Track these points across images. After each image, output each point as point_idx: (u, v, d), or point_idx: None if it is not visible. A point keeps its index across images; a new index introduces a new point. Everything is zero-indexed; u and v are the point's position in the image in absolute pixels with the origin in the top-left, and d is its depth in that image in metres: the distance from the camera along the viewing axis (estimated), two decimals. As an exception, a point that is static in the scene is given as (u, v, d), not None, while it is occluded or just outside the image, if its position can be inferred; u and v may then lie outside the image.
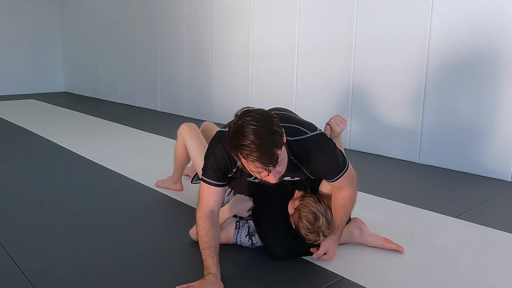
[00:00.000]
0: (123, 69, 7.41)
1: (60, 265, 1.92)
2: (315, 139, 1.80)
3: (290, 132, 1.75)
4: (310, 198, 1.92)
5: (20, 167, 3.50)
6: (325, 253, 1.95)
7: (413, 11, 3.67)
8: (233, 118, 1.60)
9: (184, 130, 2.59)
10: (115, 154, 3.95)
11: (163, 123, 5.69)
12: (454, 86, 3.50)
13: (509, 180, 3.28)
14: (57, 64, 9.31)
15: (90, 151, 4.00)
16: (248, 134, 1.51)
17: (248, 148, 1.51)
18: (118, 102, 7.63)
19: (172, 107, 6.46)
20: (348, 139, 4.24)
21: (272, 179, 1.61)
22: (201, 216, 1.80)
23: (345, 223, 2.02)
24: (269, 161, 1.54)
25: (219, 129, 1.90)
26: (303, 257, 2.01)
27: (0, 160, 3.71)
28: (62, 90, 9.46)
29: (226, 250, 2.06)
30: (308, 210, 1.87)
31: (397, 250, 2.08)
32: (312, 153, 1.78)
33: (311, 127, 1.85)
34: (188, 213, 2.53)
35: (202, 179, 1.84)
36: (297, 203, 1.94)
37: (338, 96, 4.29)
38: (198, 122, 2.88)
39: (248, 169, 1.59)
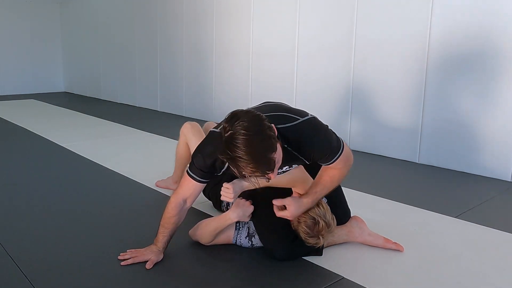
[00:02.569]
0: (123, 69, 7.41)
1: (60, 265, 1.92)
2: (306, 124, 1.78)
3: (281, 120, 1.75)
4: None
5: (20, 167, 3.50)
6: (284, 207, 1.90)
7: (413, 12, 3.67)
8: (223, 123, 1.58)
9: (187, 128, 2.59)
10: (115, 154, 3.95)
11: (163, 123, 5.70)
12: (454, 86, 3.50)
13: (509, 180, 3.28)
14: (57, 64, 9.31)
15: (90, 151, 4.00)
16: (241, 145, 1.50)
17: (243, 160, 1.51)
18: (118, 102, 7.63)
19: (172, 107, 6.46)
20: (348, 139, 4.24)
21: (272, 177, 1.61)
22: (173, 202, 1.91)
23: (323, 194, 1.94)
24: (267, 168, 1.54)
25: (211, 128, 1.90)
26: (303, 257, 2.01)
27: (0, 160, 3.71)
28: (62, 90, 9.46)
29: (226, 250, 2.06)
30: (307, 215, 1.86)
31: (397, 250, 2.08)
32: (305, 138, 1.76)
33: (302, 113, 1.82)
34: (188, 213, 2.53)
35: (187, 171, 1.88)
36: None
37: (338, 97, 4.29)
38: (198, 122, 2.88)
39: (247, 177, 1.59)
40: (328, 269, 1.92)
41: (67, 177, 3.26)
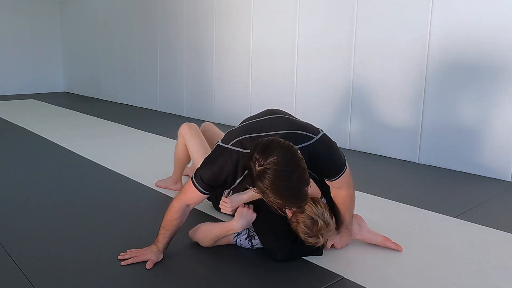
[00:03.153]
0: (123, 69, 7.41)
1: (60, 265, 1.92)
2: (321, 142, 1.82)
3: (298, 139, 1.76)
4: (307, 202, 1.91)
5: (20, 167, 3.50)
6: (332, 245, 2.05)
7: (413, 12, 3.67)
8: (252, 152, 1.56)
9: (185, 129, 2.59)
10: (115, 154, 3.95)
11: (163, 123, 5.69)
12: (454, 87, 3.50)
13: (509, 180, 3.28)
14: (57, 64, 9.31)
15: (90, 151, 4.00)
16: (277, 180, 1.51)
17: (279, 197, 1.54)
18: (118, 102, 7.63)
19: (172, 107, 6.46)
20: (348, 139, 4.24)
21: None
22: (176, 206, 1.90)
23: (351, 219, 2.04)
24: (302, 202, 1.60)
25: (219, 142, 1.88)
26: (303, 257, 2.01)
27: (0, 160, 3.71)
28: (62, 90, 9.47)
29: (226, 250, 2.06)
30: (305, 214, 1.86)
31: (396, 249, 2.08)
32: (320, 156, 1.80)
33: (313, 130, 1.85)
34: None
35: (192, 181, 1.86)
36: None
37: (338, 97, 4.29)
38: (198, 122, 2.88)
39: (276, 205, 1.60)
40: (328, 269, 1.92)
41: (67, 177, 3.26)
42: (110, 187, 3.05)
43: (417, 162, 3.79)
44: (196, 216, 2.41)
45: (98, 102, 7.80)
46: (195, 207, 2.57)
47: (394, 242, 2.10)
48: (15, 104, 7.34)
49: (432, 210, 2.64)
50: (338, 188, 1.93)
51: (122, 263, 1.90)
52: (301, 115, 4.60)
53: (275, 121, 1.93)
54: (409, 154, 3.83)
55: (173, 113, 6.44)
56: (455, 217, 2.55)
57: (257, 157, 1.54)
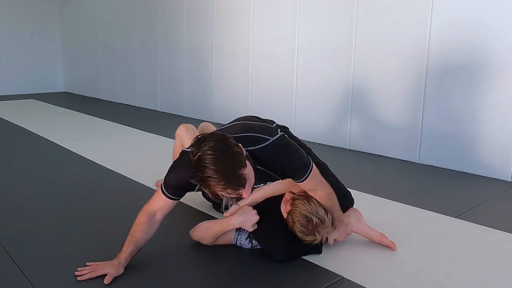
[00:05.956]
0: (123, 69, 7.41)
1: (60, 265, 1.92)
2: (275, 144, 1.81)
3: (251, 141, 1.78)
4: (299, 201, 1.91)
5: (20, 167, 3.50)
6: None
7: (413, 12, 3.67)
8: (191, 148, 1.62)
9: (182, 131, 2.59)
10: (115, 154, 3.95)
11: (163, 123, 5.69)
12: (454, 86, 3.50)
13: (509, 180, 3.28)
14: (57, 64, 9.31)
15: (90, 151, 4.00)
16: (209, 164, 1.54)
17: (213, 179, 1.55)
18: (118, 102, 7.63)
19: (172, 107, 6.46)
20: (348, 139, 4.24)
21: (246, 195, 1.65)
22: (143, 210, 1.92)
23: (340, 212, 2.02)
24: (238, 184, 1.57)
25: (184, 148, 1.95)
26: (303, 257, 2.01)
27: (0, 160, 3.71)
28: (62, 90, 9.46)
29: (227, 250, 2.07)
30: (299, 214, 1.86)
31: (390, 247, 2.08)
32: (277, 158, 1.80)
33: (271, 132, 1.86)
34: (188, 213, 2.54)
35: (161, 186, 1.89)
36: (288, 207, 1.94)
37: (338, 97, 4.29)
38: (198, 122, 2.88)
39: (220, 195, 1.62)
40: (328, 269, 1.92)
41: (67, 177, 3.26)
42: (110, 187, 3.05)
43: (417, 162, 3.79)
44: (196, 216, 2.41)
45: (98, 102, 7.80)
46: (194, 207, 2.59)
47: (390, 240, 2.10)
48: (15, 104, 7.34)
49: (432, 210, 2.64)
50: (313, 190, 1.92)
51: (79, 278, 1.79)
52: (301, 115, 4.62)
53: (236, 126, 1.95)
54: (409, 154, 3.83)
55: (173, 113, 6.43)
56: (455, 217, 2.55)
57: (193, 150, 1.59)
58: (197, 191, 1.90)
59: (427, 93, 3.66)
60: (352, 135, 4.23)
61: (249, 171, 1.63)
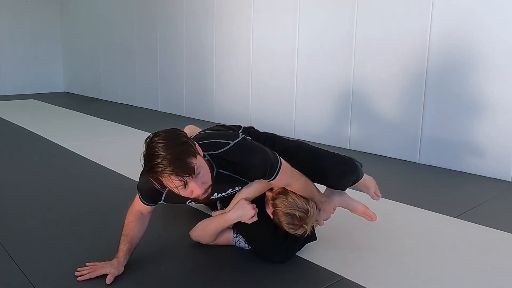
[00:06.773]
0: (123, 69, 7.41)
1: (60, 265, 1.92)
2: (236, 147, 1.80)
3: (212, 146, 1.79)
4: (278, 200, 1.90)
5: (20, 167, 3.50)
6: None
7: (413, 12, 3.67)
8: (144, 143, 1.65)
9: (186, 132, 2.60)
10: (115, 154, 3.95)
11: (163, 123, 5.69)
12: (454, 86, 3.50)
13: (509, 180, 3.28)
14: (57, 64, 9.31)
15: (90, 151, 4.00)
16: (158, 152, 1.56)
17: (161, 165, 1.55)
18: (118, 102, 7.63)
19: (172, 107, 6.46)
20: (348, 139, 4.24)
21: (197, 190, 1.63)
22: (130, 212, 1.96)
23: (320, 195, 2.01)
24: (184, 171, 1.55)
25: None
26: (303, 257, 2.01)
27: (0, 160, 3.71)
28: (62, 90, 9.47)
29: (226, 250, 2.06)
30: (281, 213, 1.86)
31: (370, 219, 2.10)
32: (239, 161, 1.80)
33: (231, 136, 1.86)
34: (188, 213, 2.54)
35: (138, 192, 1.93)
36: (271, 207, 1.94)
37: (338, 97, 4.29)
38: (198, 122, 2.88)
39: (170, 188, 1.62)
40: (328, 269, 1.92)
41: (67, 177, 3.26)
42: (110, 187, 3.05)
43: (417, 162, 3.79)
44: (196, 216, 2.41)
45: (98, 102, 7.80)
46: (194, 207, 2.59)
47: (372, 211, 2.11)
48: (15, 104, 7.34)
49: (432, 210, 2.64)
50: (287, 185, 1.91)
51: (79, 278, 1.79)
52: (301, 115, 4.62)
53: (198, 135, 1.95)
54: (409, 154, 3.83)
55: (173, 113, 6.44)
56: (455, 217, 2.55)
57: (146, 143, 1.64)
58: (163, 201, 1.91)
59: (427, 92, 3.66)
60: (352, 135, 4.23)
61: (200, 164, 1.62)
